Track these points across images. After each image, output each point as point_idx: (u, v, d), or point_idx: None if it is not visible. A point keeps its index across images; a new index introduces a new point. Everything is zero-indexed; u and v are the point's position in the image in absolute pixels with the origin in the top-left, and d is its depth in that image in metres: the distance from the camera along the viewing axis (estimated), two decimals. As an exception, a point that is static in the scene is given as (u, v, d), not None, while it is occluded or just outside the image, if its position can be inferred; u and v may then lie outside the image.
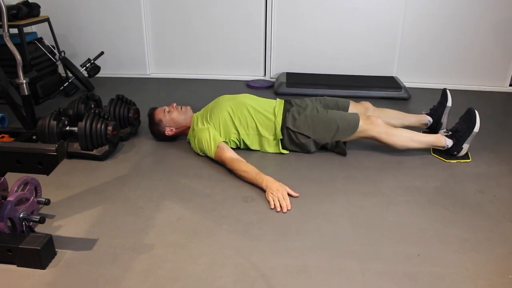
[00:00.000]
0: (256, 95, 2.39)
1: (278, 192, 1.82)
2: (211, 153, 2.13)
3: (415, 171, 2.10)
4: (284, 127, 2.20)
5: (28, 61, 2.98)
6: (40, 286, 1.35)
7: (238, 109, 2.23)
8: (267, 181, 1.88)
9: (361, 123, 2.16)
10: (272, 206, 1.77)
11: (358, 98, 3.07)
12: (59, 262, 1.45)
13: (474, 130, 2.14)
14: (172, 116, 2.32)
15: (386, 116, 2.41)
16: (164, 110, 2.34)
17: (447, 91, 2.44)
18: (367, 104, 2.47)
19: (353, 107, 2.41)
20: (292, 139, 2.22)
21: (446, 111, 2.42)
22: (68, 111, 2.32)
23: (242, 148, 2.30)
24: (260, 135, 2.24)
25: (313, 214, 1.74)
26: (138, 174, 2.07)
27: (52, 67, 3.33)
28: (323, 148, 2.28)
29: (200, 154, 2.23)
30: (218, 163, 2.14)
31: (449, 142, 2.18)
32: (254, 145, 2.28)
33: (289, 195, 1.84)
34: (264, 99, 2.35)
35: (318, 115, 2.21)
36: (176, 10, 3.59)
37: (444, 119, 2.44)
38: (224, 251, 1.51)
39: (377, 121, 2.17)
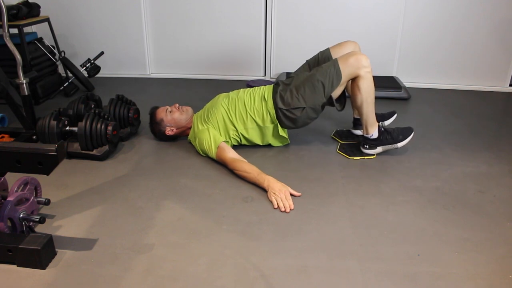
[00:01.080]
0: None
1: (281, 193, 1.82)
2: (212, 154, 2.13)
3: (415, 171, 2.10)
4: (277, 109, 2.17)
5: (28, 61, 2.98)
6: (40, 286, 1.35)
7: (232, 104, 2.23)
8: (268, 181, 1.88)
9: (342, 67, 2.04)
10: (276, 206, 1.77)
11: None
12: (59, 262, 1.45)
13: (398, 144, 2.18)
14: (173, 116, 2.32)
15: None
16: (166, 109, 2.34)
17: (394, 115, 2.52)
18: (349, 44, 2.31)
19: (336, 52, 2.27)
20: (289, 117, 2.17)
21: (391, 120, 2.51)
22: (68, 111, 2.33)
23: (243, 146, 2.29)
24: (259, 126, 2.23)
25: (313, 214, 1.74)
26: (138, 174, 2.07)
27: (52, 67, 3.33)
28: (323, 108, 2.17)
29: (203, 155, 2.23)
30: (219, 163, 2.14)
31: (375, 134, 2.18)
32: (254, 139, 2.27)
33: (291, 195, 1.84)
34: (255, 88, 2.32)
35: (300, 81, 2.16)
36: (176, 10, 3.59)
37: (387, 122, 2.51)
38: (224, 251, 1.51)
39: (361, 60, 2.02)
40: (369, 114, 2.14)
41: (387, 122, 2.48)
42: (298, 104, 2.12)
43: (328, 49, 2.33)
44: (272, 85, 2.29)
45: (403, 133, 2.19)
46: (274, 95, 2.19)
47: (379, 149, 2.22)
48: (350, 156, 2.22)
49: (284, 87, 2.21)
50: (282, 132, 2.25)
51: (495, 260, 1.47)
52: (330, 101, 2.14)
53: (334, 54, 2.27)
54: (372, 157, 2.22)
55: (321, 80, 2.08)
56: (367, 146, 2.22)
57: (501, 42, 3.38)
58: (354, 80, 2.08)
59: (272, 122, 2.22)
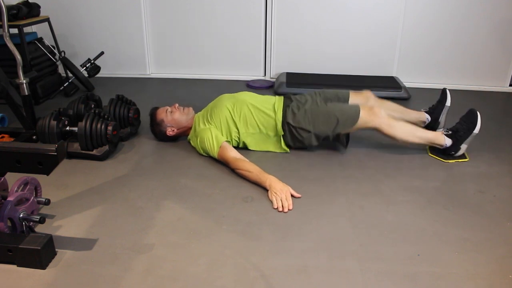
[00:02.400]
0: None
1: (282, 193, 1.82)
2: (214, 153, 2.13)
3: (415, 171, 2.10)
4: (284, 122, 2.19)
5: (28, 61, 2.98)
6: (40, 286, 1.35)
7: (238, 107, 2.23)
8: (270, 180, 1.88)
9: (362, 114, 2.12)
10: (275, 206, 1.78)
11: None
12: (59, 262, 1.45)
13: (474, 131, 2.13)
14: (174, 117, 2.32)
15: (387, 108, 2.36)
16: (166, 110, 2.34)
17: (447, 90, 2.44)
18: (367, 94, 2.41)
19: (354, 97, 2.36)
20: (293, 135, 2.21)
21: (445, 111, 2.43)
22: (68, 111, 2.32)
23: (241, 147, 2.29)
24: (261, 133, 2.24)
25: (313, 214, 1.74)
26: (138, 174, 2.07)
27: (52, 67, 3.33)
28: (324, 140, 2.24)
29: (203, 154, 2.23)
30: (219, 162, 2.14)
31: (448, 142, 2.18)
32: (253, 145, 2.27)
33: (291, 195, 1.84)
34: (264, 96, 2.34)
35: (318, 108, 2.19)
36: (176, 10, 3.59)
37: (442, 118, 2.44)
38: (224, 251, 1.51)
39: (380, 112, 2.13)
40: (424, 138, 2.19)
41: (442, 119, 2.43)
42: (306, 126, 2.18)
43: (348, 92, 2.40)
44: (283, 97, 2.31)
45: (469, 118, 2.15)
46: (285, 108, 2.22)
47: (463, 147, 2.17)
48: (445, 160, 2.19)
49: (298, 105, 2.23)
50: (283, 146, 2.26)
51: (495, 260, 1.47)
52: (336, 137, 2.23)
53: (351, 99, 2.37)
54: (465, 159, 2.20)
55: (338, 117, 2.15)
56: (453, 153, 2.19)
57: (501, 42, 3.38)
58: (383, 133, 2.16)
59: (276, 134, 2.24)
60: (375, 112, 2.13)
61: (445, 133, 2.19)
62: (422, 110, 2.52)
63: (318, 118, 2.17)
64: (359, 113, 2.13)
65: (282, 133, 2.22)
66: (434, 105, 2.48)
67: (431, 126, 2.46)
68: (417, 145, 2.24)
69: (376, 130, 2.16)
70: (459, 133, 2.16)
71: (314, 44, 3.58)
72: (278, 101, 2.28)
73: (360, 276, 1.40)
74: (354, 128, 2.17)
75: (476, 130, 2.13)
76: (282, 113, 2.20)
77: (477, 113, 2.15)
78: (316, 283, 1.37)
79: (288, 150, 2.28)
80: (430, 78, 3.56)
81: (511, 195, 1.90)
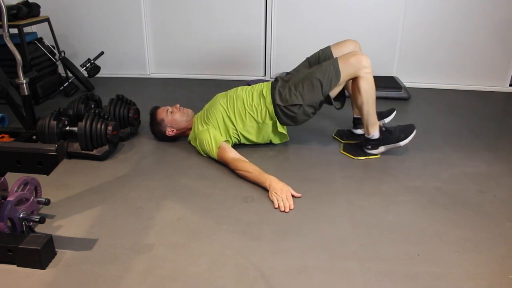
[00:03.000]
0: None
1: (282, 193, 1.82)
2: (214, 154, 2.13)
3: (415, 171, 2.10)
4: (275, 105, 2.16)
5: (28, 61, 2.98)
6: (40, 286, 1.35)
7: (230, 103, 2.23)
8: (270, 180, 1.88)
9: (341, 65, 2.03)
10: (276, 206, 1.77)
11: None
12: (59, 262, 1.45)
13: (400, 143, 2.16)
14: (174, 117, 2.32)
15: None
16: (167, 110, 2.34)
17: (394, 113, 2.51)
18: (349, 42, 2.31)
19: (337, 51, 2.26)
20: (286, 114, 2.17)
21: (390, 118, 2.49)
22: (68, 111, 2.32)
23: (243, 146, 2.29)
24: (257, 123, 2.22)
25: (313, 214, 1.74)
26: (138, 174, 2.07)
27: (52, 67, 3.33)
28: (320, 107, 2.17)
29: (204, 155, 2.23)
30: (219, 162, 2.14)
31: (376, 134, 2.17)
32: (253, 137, 2.26)
33: (292, 195, 1.83)
34: (253, 85, 2.32)
35: (298, 78, 2.15)
36: (176, 10, 3.59)
37: (387, 120, 2.49)
38: (224, 251, 1.51)
39: (362, 58, 2.01)
40: (370, 114, 2.13)
41: (387, 120, 2.47)
42: (295, 101, 2.12)
43: (329, 47, 2.32)
44: (271, 81, 2.29)
45: (405, 131, 2.18)
46: (272, 91, 2.19)
47: (382, 148, 2.21)
48: (354, 157, 2.21)
49: (283, 84, 2.20)
50: (281, 129, 2.24)
51: (495, 260, 1.47)
52: (328, 100, 2.13)
53: (335, 53, 2.26)
54: (376, 156, 2.22)
55: (319, 78, 2.08)
56: (370, 147, 2.22)
57: (501, 42, 3.38)
58: (354, 80, 2.08)
59: (271, 119, 2.21)
60: (358, 59, 2.01)
61: (381, 124, 2.18)
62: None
63: (302, 88, 2.11)
64: (338, 65, 2.04)
65: (275, 118, 2.19)
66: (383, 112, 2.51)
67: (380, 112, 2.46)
68: (363, 112, 2.14)
69: (359, 79, 2.05)
70: (389, 135, 2.17)
71: (314, 44, 3.54)
72: (266, 86, 2.25)
73: (360, 276, 1.40)
74: (342, 83, 2.09)
75: (403, 143, 2.16)
76: (271, 97, 2.17)
77: (414, 130, 2.17)
78: (316, 283, 1.37)
79: (286, 134, 2.26)
80: (430, 78, 3.56)
81: (511, 195, 1.89)
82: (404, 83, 3.38)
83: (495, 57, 3.44)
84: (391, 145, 2.19)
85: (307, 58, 2.36)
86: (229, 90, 2.35)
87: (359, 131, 2.44)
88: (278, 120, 2.21)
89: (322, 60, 2.26)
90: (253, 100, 2.21)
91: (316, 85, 2.08)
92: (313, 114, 2.20)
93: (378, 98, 3.13)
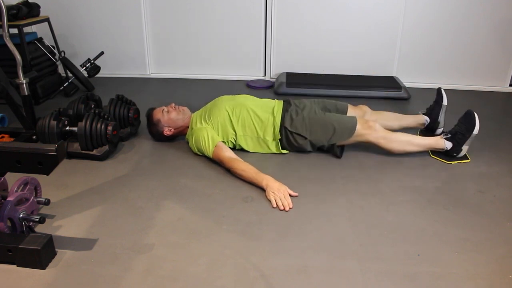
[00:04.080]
0: (256, 95, 2.40)
1: (280, 192, 1.82)
2: (209, 152, 2.13)
3: (415, 171, 2.10)
4: (282, 127, 2.20)
5: (28, 61, 2.98)
6: (40, 286, 1.35)
7: (237, 109, 2.23)
8: (267, 180, 1.88)
9: (358, 127, 2.15)
10: (275, 205, 1.78)
11: (358, 98, 3.08)
12: (59, 262, 1.45)
13: (474, 132, 2.14)
14: (170, 116, 2.32)
15: (384, 119, 2.41)
16: (163, 110, 2.34)
17: (442, 90, 2.45)
18: (365, 108, 2.46)
19: (351, 111, 2.40)
20: (289, 140, 2.22)
21: (443, 110, 2.43)
22: (68, 111, 2.32)
23: (237, 149, 2.29)
24: (258, 137, 2.24)
25: (313, 214, 1.74)
26: (138, 174, 2.07)
27: (52, 67, 3.33)
28: (319, 149, 2.27)
29: (198, 153, 2.23)
30: (218, 163, 2.14)
31: (448, 145, 2.18)
32: (249, 147, 2.27)
33: (289, 195, 1.84)
34: (263, 99, 2.35)
35: (316, 116, 2.21)
36: (176, 10, 3.59)
37: (441, 118, 2.44)
38: (224, 251, 1.51)
39: (375, 126, 2.16)
40: (422, 145, 2.20)
41: (441, 123, 2.45)
42: (303, 132, 2.19)
43: (347, 104, 2.42)
44: (282, 101, 2.32)
45: (467, 120, 2.16)
46: (284, 113, 2.23)
47: (464, 147, 2.17)
48: (447, 161, 2.18)
49: (296, 110, 2.24)
50: (279, 150, 2.26)
51: (495, 260, 1.47)
52: (331, 147, 2.23)
53: (349, 112, 2.38)
54: (467, 160, 2.20)
55: (335, 127, 2.17)
56: (455, 154, 2.20)
57: (501, 42, 3.38)
58: (379, 147, 2.19)
59: (273, 139, 2.23)
60: (370, 126, 2.15)
61: (444, 137, 2.19)
62: (420, 112, 2.52)
63: (315, 126, 2.19)
64: (356, 125, 2.15)
65: (280, 137, 2.22)
66: (431, 105, 2.49)
67: (431, 127, 2.46)
68: (417, 152, 2.24)
69: (373, 144, 2.19)
70: (458, 136, 2.16)
71: (314, 44, 3.58)
72: (278, 105, 2.28)
73: (360, 276, 1.40)
74: (350, 140, 2.19)
75: (476, 130, 2.13)
76: (281, 118, 2.21)
77: (474, 114, 2.15)
78: (316, 283, 1.37)
79: (283, 152, 2.27)
80: (430, 78, 3.56)
81: (511, 195, 1.90)
82: (404, 83, 3.39)
83: (495, 57, 3.44)
84: (468, 140, 2.15)
85: (323, 100, 2.41)
86: (236, 96, 2.34)
87: (439, 131, 2.46)
88: (280, 141, 2.24)
89: (340, 111, 2.37)
90: (261, 115, 2.22)
91: (329, 130, 2.18)
92: (313, 149, 2.26)
93: (378, 98, 3.17)
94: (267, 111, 2.24)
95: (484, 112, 2.97)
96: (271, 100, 2.35)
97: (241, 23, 3.58)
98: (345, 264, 1.45)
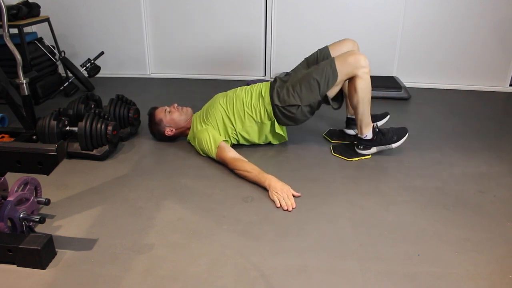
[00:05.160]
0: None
1: (283, 192, 1.82)
2: (212, 154, 2.13)
3: (415, 171, 2.10)
4: (273, 106, 2.16)
5: (28, 61, 2.98)
6: (40, 286, 1.35)
7: (230, 103, 2.23)
8: (270, 180, 1.88)
9: (338, 65, 2.01)
10: (278, 205, 1.78)
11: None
12: (59, 262, 1.45)
13: (393, 145, 2.17)
14: (173, 117, 2.32)
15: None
16: (165, 110, 2.34)
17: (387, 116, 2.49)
18: (347, 41, 2.30)
19: (335, 50, 2.26)
20: (285, 115, 2.17)
21: (380, 122, 2.47)
22: (68, 111, 2.32)
23: (243, 146, 2.29)
24: (256, 123, 2.22)
25: (313, 214, 1.74)
26: (138, 174, 2.07)
27: (52, 67, 3.33)
28: (318, 107, 2.16)
29: (203, 155, 2.23)
30: (219, 162, 2.14)
31: (369, 135, 2.17)
32: (252, 137, 2.26)
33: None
34: (253, 85, 2.31)
35: (296, 78, 2.15)
36: (176, 10, 3.59)
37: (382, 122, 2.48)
38: (224, 251, 1.51)
39: (360, 58, 1.99)
40: (365, 115, 2.13)
41: (380, 123, 2.46)
42: (293, 101, 2.12)
43: (327, 47, 2.31)
44: (270, 82, 2.28)
45: (398, 133, 2.18)
46: (271, 91, 2.19)
47: (374, 149, 2.21)
48: (348, 158, 2.21)
49: (281, 84, 2.20)
50: (279, 130, 2.24)
51: (495, 260, 1.47)
52: (325, 100, 2.13)
53: (333, 52, 2.26)
54: (368, 157, 2.22)
55: (317, 78, 2.07)
56: (361, 147, 2.21)
57: (501, 42, 3.38)
58: (351, 79, 2.07)
59: (270, 119, 2.21)
60: (356, 59, 1.99)
61: (374, 126, 2.18)
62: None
63: (300, 88, 2.10)
64: (335, 65, 2.03)
65: (274, 118, 2.19)
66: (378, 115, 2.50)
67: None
68: (358, 112, 2.11)
69: (356, 79, 2.03)
70: (382, 136, 2.17)
71: (314, 44, 3.53)
72: (265, 86, 2.25)
73: (360, 276, 1.40)
74: (339, 83, 2.07)
75: (395, 145, 2.18)
76: (269, 97, 2.17)
77: (407, 133, 2.18)
78: (316, 283, 1.37)
79: (285, 136, 2.27)
80: (430, 78, 3.56)
81: (511, 195, 1.89)
82: (404, 83, 3.38)
83: (495, 57, 3.44)
84: (383, 146, 2.19)
85: (305, 58, 2.36)
86: (228, 91, 2.35)
87: (350, 132, 2.43)
88: (277, 121, 2.21)
89: (320, 60, 2.26)
90: (252, 100, 2.21)
91: (313, 85, 2.08)
92: (311, 114, 2.20)
93: (378, 98, 3.17)
94: (256, 96, 2.21)
95: (484, 112, 2.98)
96: (260, 84, 2.31)
97: (241, 23, 3.58)
98: (345, 264, 1.45)
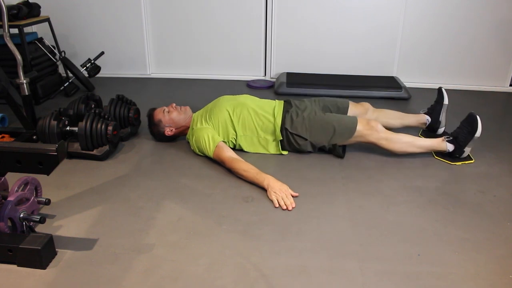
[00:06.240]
0: (256, 95, 2.40)
1: (281, 192, 1.82)
2: (210, 152, 2.13)
3: (415, 171, 2.10)
4: (283, 128, 2.20)
5: (28, 61, 2.98)
6: (40, 286, 1.35)
7: (238, 109, 2.23)
8: (268, 180, 1.88)
9: (359, 127, 2.13)
10: (277, 205, 1.78)
11: (358, 98, 3.07)
12: (59, 262, 1.45)
13: (476, 135, 2.13)
14: (171, 116, 2.32)
15: (385, 117, 2.41)
16: (164, 110, 2.34)
17: (443, 89, 2.45)
18: (366, 105, 2.45)
19: (353, 108, 2.39)
20: (289, 141, 2.22)
21: (444, 109, 2.44)
22: (68, 111, 2.33)
23: (238, 149, 2.29)
24: (259, 137, 2.24)
25: (313, 214, 1.74)
26: (138, 174, 2.07)
27: (52, 67, 3.33)
28: (320, 149, 2.27)
29: (198, 153, 2.23)
30: (218, 163, 2.14)
31: (450, 147, 2.17)
32: (249, 147, 2.27)
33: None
34: (264, 100, 2.34)
35: (316, 117, 2.20)
36: (176, 10, 3.60)
37: (442, 117, 2.45)
38: (224, 251, 1.51)
39: (377, 126, 2.14)
40: (424, 147, 2.19)
41: (442, 123, 2.45)
42: (303, 133, 2.19)
43: (348, 102, 2.41)
44: (283, 101, 2.32)
45: (469, 122, 2.14)
46: (284, 113, 2.22)
47: (467, 149, 2.17)
48: (451, 162, 2.18)
49: (297, 112, 2.23)
50: (279, 150, 2.26)
51: (495, 260, 1.47)
52: (332, 148, 2.22)
53: (350, 110, 2.37)
54: (471, 161, 2.20)
55: (335, 126, 2.15)
56: (458, 156, 2.19)
57: (501, 42, 3.38)
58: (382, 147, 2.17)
59: (274, 139, 2.24)
60: (372, 126, 2.14)
61: (446, 139, 2.18)
62: (421, 112, 2.52)
63: (315, 126, 2.18)
64: (356, 125, 2.13)
65: (281, 138, 2.21)
66: (432, 105, 2.49)
67: (432, 126, 2.46)
68: (419, 153, 2.23)
69: (374, 144, 2.18)
70: (459, 139, 2.15)
71: (314, 44, 3.58)
72: (278, 105, 2.28)
73: (360, 276, 1.40)
74: (350, 140, 2.18)
75: (478, 133, 2.12)
76: (281, 119, 2.20)
77: (476, 117, 2.13)
78: (316, 283, 1.37)
79: (283, 153, 2.27)
80: (430, 78, 3.56)
81: (511, 195, 1.90)
82: (404, 83, 3.39)
83: (495, 57, 3.44)
84: (470, 142, 2.14)
85: (324, 98, 2.41)
86: (237, 96, 2.34)
87: (440, 130, 2.47)
88: (280, 142, 2.24)
89: (341, 111, 2.35)
90: (262, 115, 2.22)
91: (329, 130, 2.17)
92: (314, 150, 2.25)
93: (378, 98, 3.17)
94: (268, 112, 2.23)
95: (484, 112, 2.97)
96: (271, 100, 2.34)
97: (241, 23, 3.58)
98: (345, 264, 1.45)
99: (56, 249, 1.50)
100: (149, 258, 1.47)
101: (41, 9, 3.32)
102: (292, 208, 1.76)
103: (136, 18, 3.63)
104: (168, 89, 3.50)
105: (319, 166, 2.15)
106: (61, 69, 3.46)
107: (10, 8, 2.96)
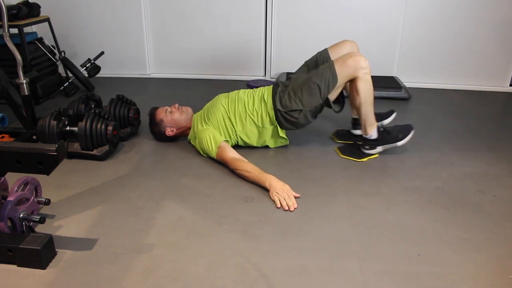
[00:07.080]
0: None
1: (283, 192, 1.82)
2: (213, 154, 2.13)
3: (415, 171, 2.10)
4: (276, 110, 2.17)
5: (28, 61, 2.98)
6: (40, 286, 1.35)
7: (232, 105, 2.23)
8: (270, 180, 1.88)
9: (337, 68, 2.02)
10: (279, 206, 1.78)
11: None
12: (59, 262, 1.45)
13: (398, 144, 2.17)
14: (173, 117, 2.32)
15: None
16: (166, 110, 2.34)
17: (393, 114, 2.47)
18: (346, 43, 2.29)
19: (335, 53, 2.25)
20: (287, 119, 2.18)
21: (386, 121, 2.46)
22: (68, 111, 2.33)
23: (243, 146, 2.29)
24: (257, 127, 2.23)
25: (313, 214, 1.74)
26: (138, 174, 2.07)
27: (52, 67, 3.33)
28: (320, 111, 2.19)
29: (203, 155, 2.23)
30: (219, 162, 2.14)
31: (374, 135, 2.17)
32: (252, 140, 2.27)
33: None
34: (256, 89, 2.32)
35: (296, 84, 2.15)
36: (176, 10, 3.60)
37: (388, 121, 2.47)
38: (224, 251, 1.51)
39: (359, 59, 2.00)
40: (368, 115, 2.13)
41: (386, 121, 2.46)
42: (295, 106, 2.13)
43: (326, 50, 2.32)
44: (272, 86, 2.29)
45: (403, 131, 2.18)
46: (273, 96, 2.19)
47: (379, 148, 2.21)
48: (358, 159, 2.20)
49: (283, 89, 2.21)
50: (282, 133, 2.25)
51: (495, 260, 1.47)
52: (327, 103, 2.13)
53: (333, 55, 2.26)
54: (375, 156, 2.22)
55: (317, 82, 2.08)
56: (367, 147, 2.22)
57: (501, 42, 3.38)
58: (352, 81, 2.08)
59: (272, 124, 2.22)
60: (355, 60, 2.00)
61: (379, 125, 2.18)
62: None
63: (301, 93, 2.11)
64: (334, 68, 2.04)
65: (276, 123, 2.19)
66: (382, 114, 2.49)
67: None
68: (361, 112, 2.13)
69: (357, 80, 2.04)
70: (387, 135, 2.17)
71: (314, 44, 3.53)
72: (267, 90, 2.25)
73: (360, 276, 1.40)
74: (340, 86, 2.08)
75: (400, 143, 2.17)
76: (272, 102, 2.18)
77: (412, 130, 2.17)
78: (316, 283, 1.37)
79: (286, 139, 2.26)
80: (430, 78, 3.56)
81: (511, 195, 1.89)
82: (404, 83, 3.39)
83: (495, 57, 3.44)
84: (389, 145, 2.19)
85: (305, 62, 2.36)
86: (231, 92, 2.35)
87: (357, 132, 2.44)
88: (279, 125, 2.21)
89: (321, 63, 2.26)
90: (254, 104, 2.21)
91: (314, 89, 2.09)
92: (314, 117, 2.21)
93: (378, 98, 3.15)
94: (259, 100, 2.22)
95: (484, 112, 2.98)
96: (262, 88, 2.31)
97: (241, 23, 3.58)
98: (345, 264, 1.45)
99: (56, 249, 1.50)
100: (149, 258, 1.47)
101: (41, 9, 3.32)
102: (295, 208, 1.76)
103: (136, 18, 3.63)
104: (168, 89, 3.50)
105: (319, 166, 2.15)
106: (61, 69, 3.46)
107: (10, 8, 2.97)
